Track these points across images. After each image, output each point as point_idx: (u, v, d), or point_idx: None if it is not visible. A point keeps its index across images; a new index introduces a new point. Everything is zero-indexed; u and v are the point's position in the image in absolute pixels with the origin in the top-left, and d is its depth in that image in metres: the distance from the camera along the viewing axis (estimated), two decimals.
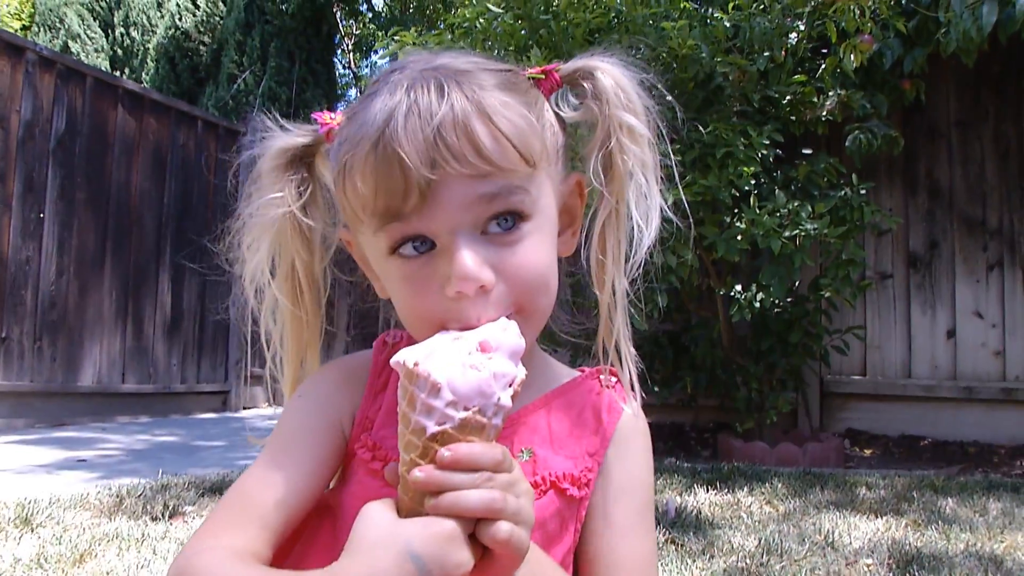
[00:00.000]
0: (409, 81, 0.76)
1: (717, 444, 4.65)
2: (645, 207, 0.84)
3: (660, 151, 0.86)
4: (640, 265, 0.84)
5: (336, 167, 0.80)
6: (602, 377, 0.87)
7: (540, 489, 0.79)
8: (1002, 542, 2.52)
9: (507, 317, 0.76)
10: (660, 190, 0.85)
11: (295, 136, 0.88)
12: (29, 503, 2.70)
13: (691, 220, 0.99)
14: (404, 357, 0.68)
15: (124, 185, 6.19)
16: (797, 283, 4.52)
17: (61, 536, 2.32)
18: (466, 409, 0.65)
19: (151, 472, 3.51)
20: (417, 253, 0.76)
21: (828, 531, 2.62)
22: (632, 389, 0.86)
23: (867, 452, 4.87)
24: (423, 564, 0.63)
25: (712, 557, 2.28)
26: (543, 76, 0.85)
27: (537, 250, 0.77)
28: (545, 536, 0.79)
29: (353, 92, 19.60)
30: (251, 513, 0.78)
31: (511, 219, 0.76)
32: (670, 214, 0.88)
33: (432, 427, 0.65)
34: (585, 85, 0.85)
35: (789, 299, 4.43)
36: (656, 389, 4.71)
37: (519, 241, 0.76)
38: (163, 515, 2.66)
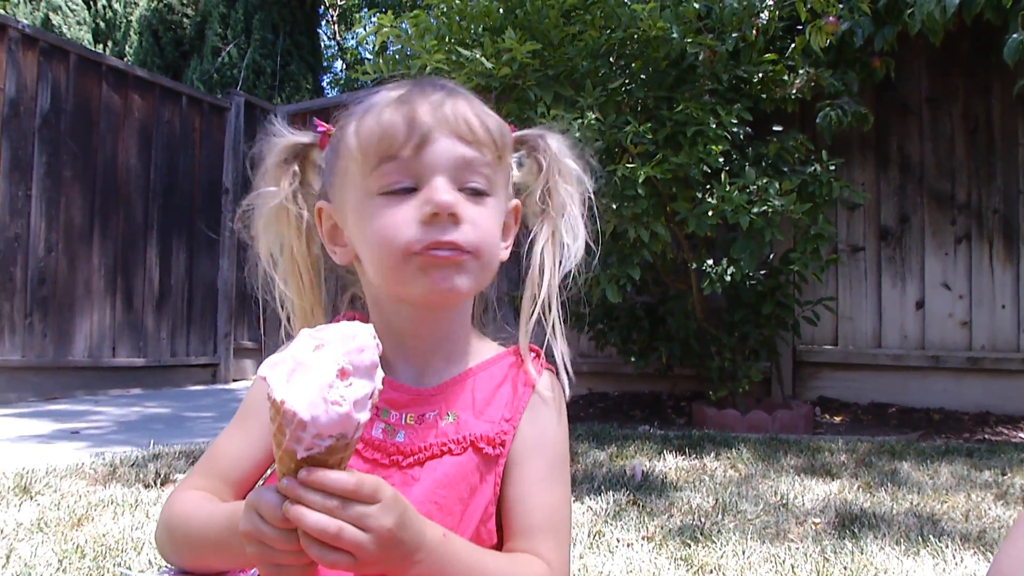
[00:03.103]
0: (412, 83, 0.98)
1: (692, 412, 4.81)
2: (573, 236, 1.04)
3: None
4: (570, 278, 1.04)
5: (341, 128, 0.98)
6: (521, 353, 1.03)
7: (461, 446, 0.95)
8: (945, 503, 2.69)
9: (464, 264, 0.92)
10: (585, 224, 1.06)
11: (298, 137, 1.05)
12: (27, 472, 2.83)
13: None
14: (270, 381, 0.75)
15: (110, 161, 6.26)
16: (771, 256, 4.66)
17: (59, 503, 2.45)
18: (331, 437, 0.74)
19: (143, 442, 3.65)
20: (402, 193, 0.93)
21: (784, 493, 2.78)
22: (566, 374, 1.03)
23: (837, 419, 5.05)
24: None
25: (671, 516, 2.44)
26: None
27: (492, 220, 0.96)
28: (468, 486, 0.95)
29: (339, 64, 19.49)
30: (214, 468, 0.98)
31: (480, 191, 0.95)
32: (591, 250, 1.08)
33: (302, 452, 0.75)
34: (538, 143, 1.06)
35: (763, 272, 4.57)
36: (633, 360, 4.87)
37: (483, 205, 0.95)
38: (155, 482, 2.79)
